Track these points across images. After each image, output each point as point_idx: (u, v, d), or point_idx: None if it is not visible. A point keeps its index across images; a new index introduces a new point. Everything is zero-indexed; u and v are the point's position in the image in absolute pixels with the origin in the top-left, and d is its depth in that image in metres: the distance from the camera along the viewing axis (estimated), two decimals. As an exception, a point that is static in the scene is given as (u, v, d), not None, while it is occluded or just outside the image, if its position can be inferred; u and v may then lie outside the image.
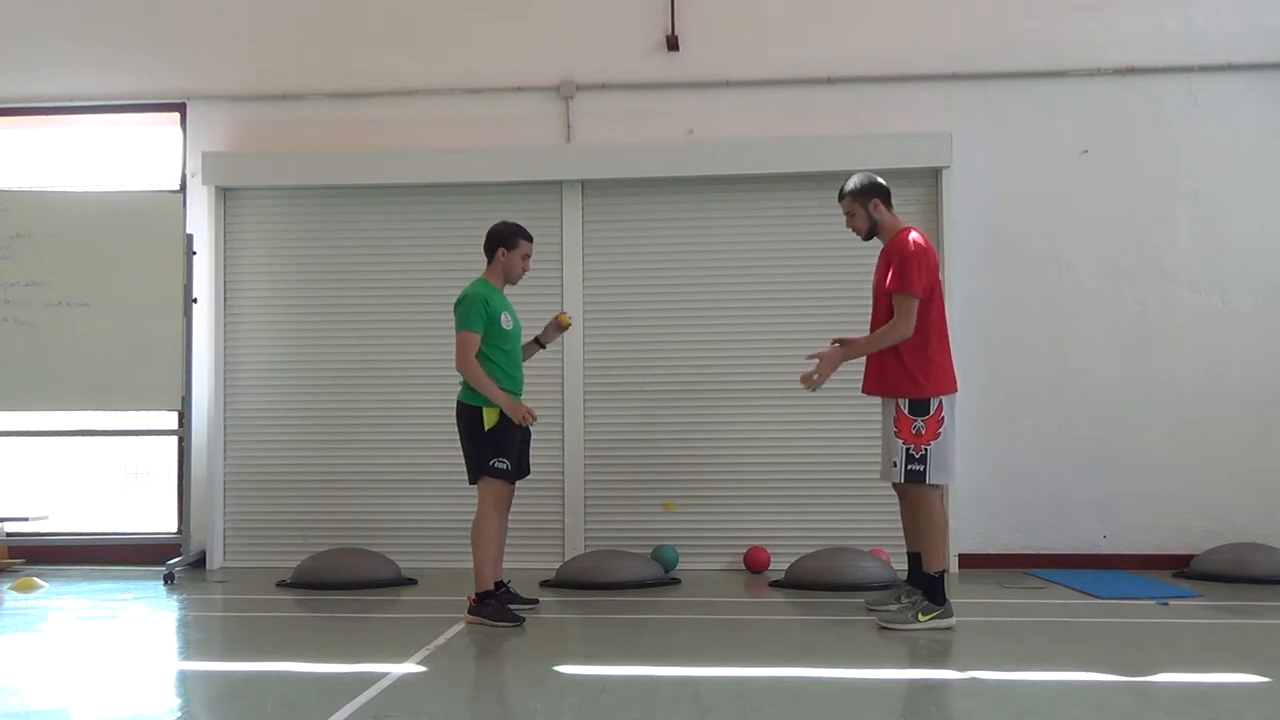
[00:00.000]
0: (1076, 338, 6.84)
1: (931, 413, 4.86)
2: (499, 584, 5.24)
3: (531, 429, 5.28)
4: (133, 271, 6.70)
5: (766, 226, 6.95)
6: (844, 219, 5.17)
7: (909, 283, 4.84)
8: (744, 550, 6.70)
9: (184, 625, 5.41)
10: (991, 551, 6.75)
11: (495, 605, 5.08)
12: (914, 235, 4.97)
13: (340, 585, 6.10)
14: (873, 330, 5.07)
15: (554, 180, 6.99)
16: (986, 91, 6.96)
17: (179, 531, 6.88)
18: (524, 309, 5.67)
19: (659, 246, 7.01)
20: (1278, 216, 6.80)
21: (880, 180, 5.11)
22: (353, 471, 7.03)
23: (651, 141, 6.99)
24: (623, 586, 6.02)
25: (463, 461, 5.20)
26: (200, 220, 7.09)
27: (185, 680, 4.25)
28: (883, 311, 5.01)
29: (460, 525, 5.68)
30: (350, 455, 7.04)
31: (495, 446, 5.09)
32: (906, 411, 4.88)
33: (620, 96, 7.14)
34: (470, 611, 5.09)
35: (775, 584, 6.15)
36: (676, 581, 6.29)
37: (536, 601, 5.48)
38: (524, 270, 5.35)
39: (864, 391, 5.12)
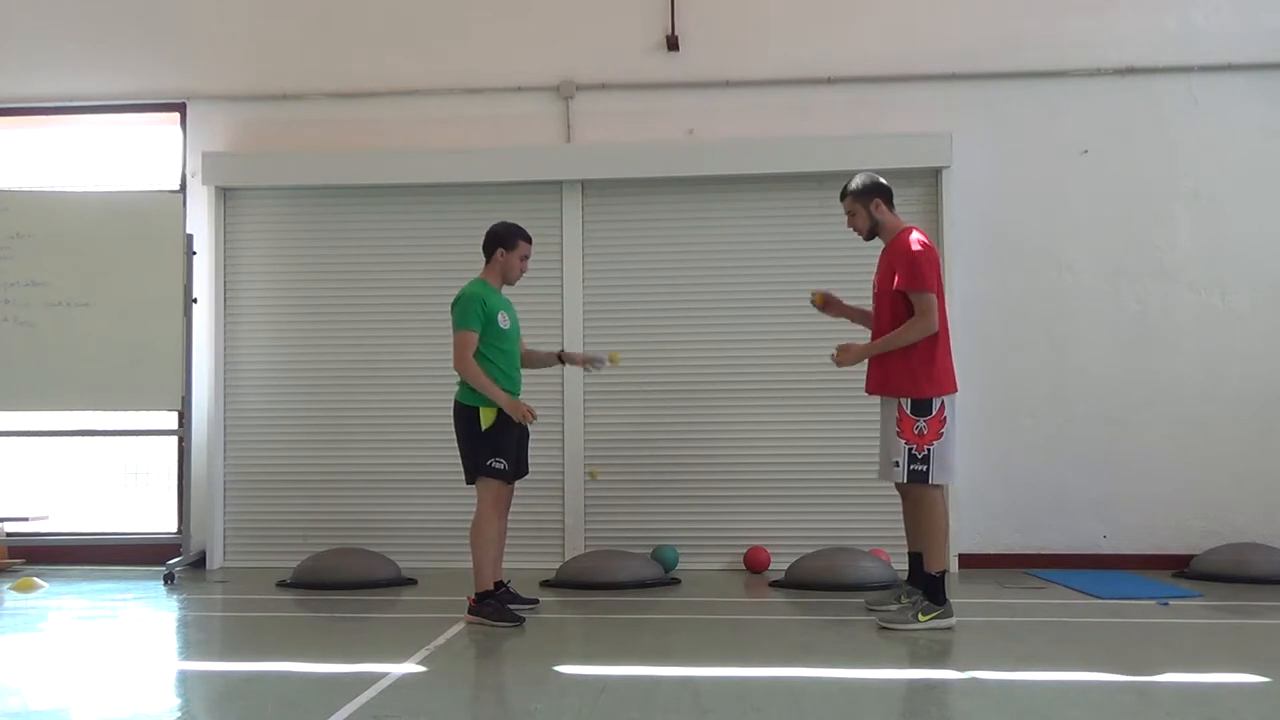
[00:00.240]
0: (1076, 338, 6.84)
1: (934, 413, 4.86)
2: (499, 584, 5.24)
3: (530, 428, 5.29)
4: (133, 271, 6.70)
5: (766, 226, 6.95)
6: (845, 219, 5.18)
7: (924, 280, 4.84)
8: (744, 550, 6.70)
9: (184, 625, 5.41)
10: (991, 551, 6.75)
11: (495, 605, 5.08)
12: (916, 235, 4.97)
13: (340, 585, 6.10)
14: (875, 332, 5.07)
15: (554, 180, 6.99)
16: (986, 91, 6.96)
17: (179, 531, 6.88)
18: (524, 309, 5.69)
19: (659, 246, 7.01)
20: (1278, 216, 6.81)
21: (882, 180, 5.12)
22: (353, 471, 7.03)
23: (651, 141, 6.99)
24: (623, 586, 6.02)
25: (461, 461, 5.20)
26: (200, 220, 7.09)
27: (185, 680, 4.25)
28: (885, 312, 5.00)
29: (460, 525, 5.68)
30: (350, 455, 7.04)
31: (492, 446, 5.09)
32: (909, 411, 4.88)
33: (620, 96, 7.14)
34: (470, 611, 5.09)
35: (775, 584, 6.15)
36: (676, 581, 6.29)
37: (536, 601, 5.48)
38: (522, 271, 5.35)
39: (867, 392, 5.11)
